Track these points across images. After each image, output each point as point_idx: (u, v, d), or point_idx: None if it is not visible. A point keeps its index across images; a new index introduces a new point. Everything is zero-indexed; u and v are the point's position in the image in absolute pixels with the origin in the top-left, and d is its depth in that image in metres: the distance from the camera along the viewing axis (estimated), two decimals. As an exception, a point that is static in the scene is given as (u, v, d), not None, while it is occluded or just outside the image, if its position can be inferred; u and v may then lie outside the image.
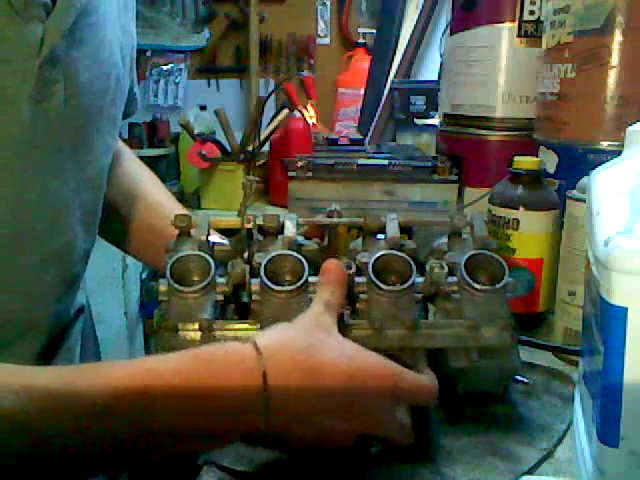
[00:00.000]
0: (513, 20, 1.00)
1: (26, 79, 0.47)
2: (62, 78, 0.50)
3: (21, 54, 0.47)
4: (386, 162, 0.99)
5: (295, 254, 0.53)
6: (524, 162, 0.74)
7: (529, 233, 0.72)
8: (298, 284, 0.51)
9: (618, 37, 0.76)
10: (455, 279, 0.54)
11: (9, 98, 0.47)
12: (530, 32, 0.99)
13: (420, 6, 1.80)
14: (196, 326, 0.50)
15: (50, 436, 0.39)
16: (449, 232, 0.59)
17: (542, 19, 0.96)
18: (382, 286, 0.51)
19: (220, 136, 1.60)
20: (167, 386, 0.41)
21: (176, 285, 0.51)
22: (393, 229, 0.57)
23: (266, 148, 1.61)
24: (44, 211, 0.54)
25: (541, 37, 0.91)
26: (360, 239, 0.59)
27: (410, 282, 0.52)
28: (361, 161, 0.99)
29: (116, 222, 0.77)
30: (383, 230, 0.58)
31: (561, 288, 0.70)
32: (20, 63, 0.47)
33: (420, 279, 0.54)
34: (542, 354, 0.67)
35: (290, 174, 0.97)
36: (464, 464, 0.49)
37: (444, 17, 1.53)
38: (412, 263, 0.53)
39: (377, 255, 0.53)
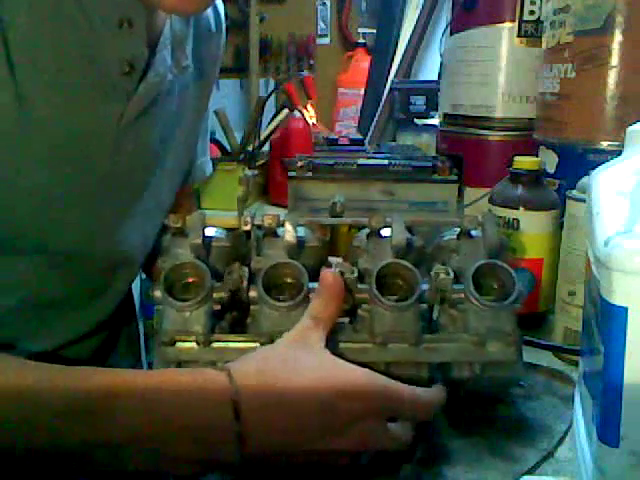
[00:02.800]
0: (513, 20, 1.00)
1: (105, 142, 0.58)
2: (133, 143, 0.60)
3: (105, 124, 0.57)
4: (386, 162, 0.99)
5: (295, 263, 0.51)
6: (524, 162, 0.74)
7: (529, 233, 0.72)
8: (297, 299, 0.49)
9: (618, 37, 0.77)
10: (462, 287, 0.51)
11: (90, 155, 0.58)
12: (530, 32, 1.00)
13: (420, 6, 1.80)
14: (192, 338, 0.49)
15: (14, 428, 0.40)
16: (458, 231, 0.56)
17: (542, 19, 0.96)
18: (386, 302, 0.49)
19: (220, 136, 1.60)
20: (131, 394, 0.42)
21: (171, 299, 0.49)
22: (399, 232, 0.53)
23: (266, 148, 1.60)
24: (105, 235, 0.63)
25: (541, 37, 0.91)
26: (364, 234, 0.56)
27: (415, 297, 0.49)
28: (361, 161, 0.99)
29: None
30: (387, 225, 0.55)
31: (561, 288, 0.70)
32: (103, 130, 0.57)
33: (425, 285, 0.51)
34: (542, 354, 0.67)
35: (290, 174, 0.97)
36: (465, 465, 0.49)
37: (444, 17, 1.53)
38: (417, 274, 0.50)
39: (381, 265, 0.50)
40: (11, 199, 0.54)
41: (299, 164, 0.97)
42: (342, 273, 0.51)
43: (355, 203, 0.94)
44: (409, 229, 0.56)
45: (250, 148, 1.55)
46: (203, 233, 0.52)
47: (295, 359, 0.45)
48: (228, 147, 1.59)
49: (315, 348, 0.47)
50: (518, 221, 0.72)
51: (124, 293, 0.71)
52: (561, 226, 0.71)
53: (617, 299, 0.38)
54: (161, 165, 0.67)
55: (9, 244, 0.55)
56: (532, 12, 0.99)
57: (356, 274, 0.51)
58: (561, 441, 0.53)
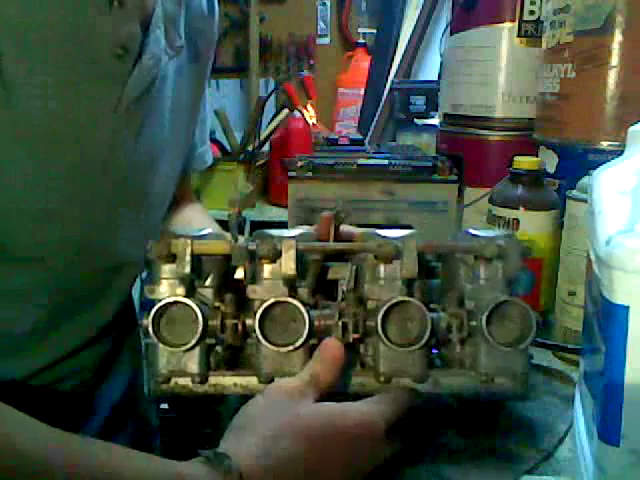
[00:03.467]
0: (513, 20, 1.00)
1: (102, 132, 0.56)
2: (132, 133, 0.59)
3: (100, 112, 0.55)
4: (386, 162, 0.99)
5: (294, 303, 0.48)
6: (524, 162, 0.74)
7: (529, 233, 0.72)
8: (297, 343, 0.48)
9: (618, 37, 0.76)
10: (475, 322, 0.49)
11: (87, 147, 0.56)
12: (530, 32, 0.99)
13: (420, 6, 1.80)
14: (188, 377, 0.49)
15: None
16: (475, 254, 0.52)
17: (542, 19, 0.96)
18: (392, 345, 0.48)
19: (220, 136, 1.60)
20: None
21: (162, 344, 0.48)
22: (411, 262, 0.49)
23: (266, 148, 1.61)
24: (104, 230, 0.62)
25: (541, 37, 0.91)
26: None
27: (424, 340, 0.48)
28: (361, 161, 0.99)
29: None
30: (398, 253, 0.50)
31: (561, 288, 0.70)
32: (99, 119, 0.56)
33: (434, 314, 0.49)
34: (542, 354, 0.67)
35: (290, 174, 0.97)
36: (464, 465, 0.49)
37: (444, 17, 1.53)
38: (427, 315, 0.48)
39: (387, 305, 0.48)
40: (1, 200, 0.52)
41: (299, 164, 0.97)
42: (344, 325, 0.49)
43: (355, 203, 0.95)
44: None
45: (250, 148, 1.55)
46: (192, 261, 0.49)
47: (295, 427, 0.43)
48: (228, 147, 1.59)
49: (310, 404, 0.46)
50: (518, 221, 0.72)
51: (125, 295, 0.70)
52: (561, 226, 0.71)
53: (618, 298, 0.38)
54: (162, 155, 0.66)
55: (3, 250, 0.54)
56: (532, 12, 0.99)
57: (361, 314, 0.49)
58: (561, 441, 0.53)
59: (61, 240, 0.58)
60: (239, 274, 0.53)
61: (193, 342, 0.48)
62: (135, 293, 0.79)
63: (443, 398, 0.53)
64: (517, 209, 0.73)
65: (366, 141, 1.57)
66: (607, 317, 0.39)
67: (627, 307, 0.37)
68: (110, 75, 0.55)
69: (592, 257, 0.43)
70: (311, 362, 0.49)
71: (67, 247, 0.58)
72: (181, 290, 0.49)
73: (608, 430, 0.39)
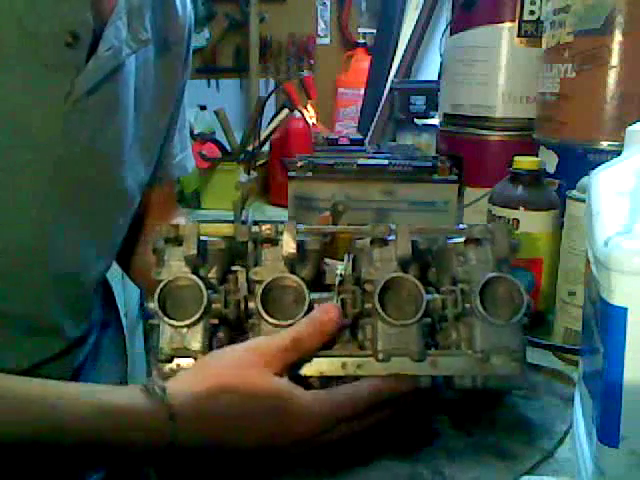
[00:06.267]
0: (513, 20, 1.00)
1: (54, 124, 0.53)
2: (87, 127, 0.56)
3: (50, 101, 0.53)
4: (386, 162, 0.99)
5: (295, 279, 0.50)
6: (524, 162, 0.74)
7: (529, 233, 0.72)
8: (297, 318, 0.49)
9: (618, 37, 0.76)
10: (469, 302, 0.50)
11: (37, 138, 0.53)
12: (530, 32, 0.99)
13: (420, 6, 1.80)
14: (191, 358, 0.49)
15: None
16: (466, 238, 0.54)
17: (542, 19, 0.96)
18: (390, 320, 0.48)
19: (220, 136, 1.60)
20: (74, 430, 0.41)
21: (166, 318, 0.49)
22: (404, 243, 0.51)
23: (266, 148, 1.60)
24: (60, 232, 0.58)
25: (541, 37, 0.91)
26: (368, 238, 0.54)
27: (419, 315, 0.48)
28: (361, 161, 1.00)
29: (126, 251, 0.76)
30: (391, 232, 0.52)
31: (561, 288, 0.70)
32: (49, 109, 0.53)
33: (430, 296, 0.50)
34: (542, 354, 0.67)
35: (290, 174, 0.97)
36: (464, 464, 0.49)
37: (444, 17, 1.53)
38: (422, 290, 0.49)
39: (384, 280, 0.49)
40: None
41: (299, 164, 0.97)
42: (343, 302, 0.50)
43: (355, 203, 0.95)
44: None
45: (250, 148, 1.55)
46: (198, 243, 0.50)
47: (240, 390, 0.45)
48: (228, 147, 1.59)
49: (268, 375, 0.46)
50: (518, 221, 0.72)
51: (87, 305, 0.67)
52: (561, 226, 0.71)
53: (617, 299, 0.37)
54: (123, 156, 0.62)
55: None
56: (532, 12, 0.99)
57: (359, 294, 0.50)
58: (561, 441, 0.53)
59: (11, 243, 0.55)
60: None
61: (197, 317, 0.48)
62: (136, 293, 0.79)
63: (442, 392, 0.53)
64: (517, 209, 0.73)
65: (366, 141, 1.57)
66: (605, 318, 0.39)
67: (625, 309, 0.37)
68: (62, 65, 0.52)
69: (590, 258, 0.43)
70: (300, 323, 0.48)
71: (15, 252, 0.56)
72: (187, 270, 0.51)
73: (607, 431, 0.39)
